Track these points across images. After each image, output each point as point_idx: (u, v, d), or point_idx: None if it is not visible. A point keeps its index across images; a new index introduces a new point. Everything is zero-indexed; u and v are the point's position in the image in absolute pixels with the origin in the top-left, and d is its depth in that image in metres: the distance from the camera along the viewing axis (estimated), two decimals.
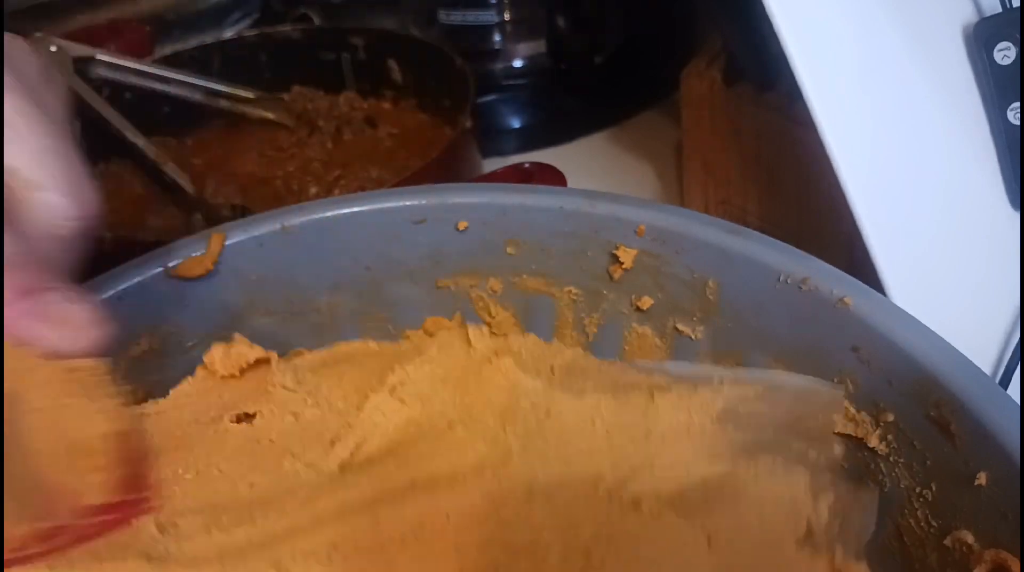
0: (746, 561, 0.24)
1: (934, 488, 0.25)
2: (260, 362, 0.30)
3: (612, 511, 0.24)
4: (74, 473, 0.22)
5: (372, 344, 0.32)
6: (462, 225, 0.33)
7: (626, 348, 0.34)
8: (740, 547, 0.24)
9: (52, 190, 0.22)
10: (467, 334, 0.30)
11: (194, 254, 0.32)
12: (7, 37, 0.23)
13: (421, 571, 0.23)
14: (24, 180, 0.22)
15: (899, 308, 0.27)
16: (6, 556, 0.21)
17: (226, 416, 0.28)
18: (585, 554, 0.23)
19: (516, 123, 0.67)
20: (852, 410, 0.27)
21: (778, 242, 0.30)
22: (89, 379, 0.22)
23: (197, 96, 0.58)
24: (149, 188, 0.54)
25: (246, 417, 0.29)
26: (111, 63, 0.55)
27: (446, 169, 0.47)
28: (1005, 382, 0.33)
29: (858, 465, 0.28)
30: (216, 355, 0.30)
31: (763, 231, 0.30)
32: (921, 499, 0.25)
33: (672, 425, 0.27)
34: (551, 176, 0.49)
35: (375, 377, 0.29)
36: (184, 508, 0.25)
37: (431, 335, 0.36)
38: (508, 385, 0.28)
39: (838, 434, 0.28)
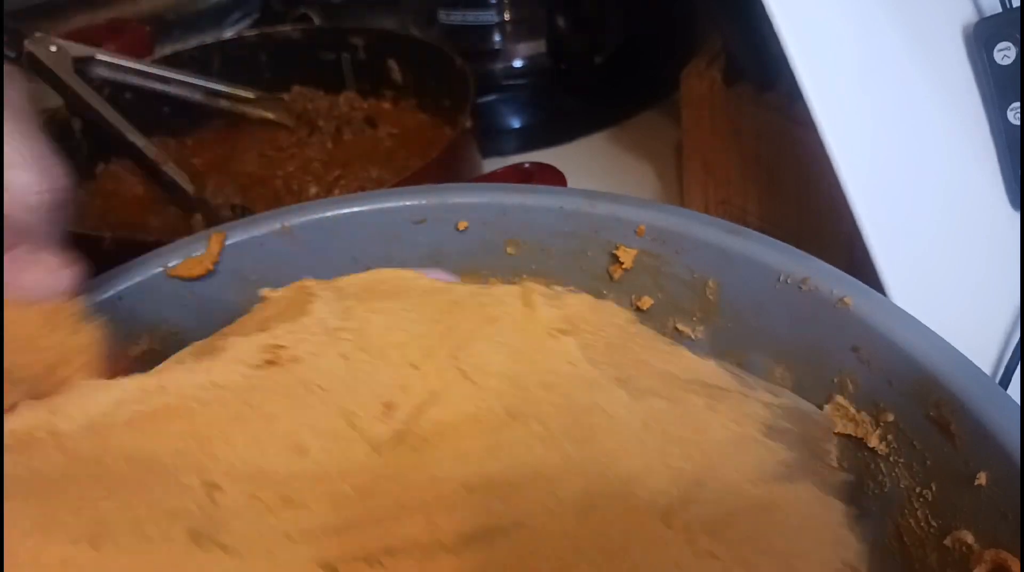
0: None
1: (934, 488, 0.25)
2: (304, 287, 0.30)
3: (664, 538, 0.24)
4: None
5: (423, 279, 0.30)
6: (462, 225, 0.33)
7: None
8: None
9: (19, 167, 0.24)
10: (526, 294, 0.29)
11: (194, 254, 0.32)
12: None
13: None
14: None
15: (899, 308, 0.27)
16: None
17: (267, 353, 0.27)
18: None
19: (516, 123, 0.67)
20: (852, 410, 0.27)
21: (778, 242, 0.30)
22: (67, 316, 0.26)
23: (197, 96, 0.58)
24: (149, 188, 0.54)
25: (287, 355, 0.27)
26: (111, 63, 0.55)
27: (446, 169, 0.48)
28: (1005, 382, 0.33)
29: (858, 465, 0.28)
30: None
31: (763, 231, 0.30)
32: (921, 499, 0.25)
33: (725, 438, 0.26)
34: (551, 176, 0.49)
35: (433, 330, 0.28)
36: (229, 466, 0.24)
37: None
38: (570, 374, 0.27)
39: (837, 434, 0.28)
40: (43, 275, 0.25)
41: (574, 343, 0.28)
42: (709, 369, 0.29)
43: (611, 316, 0.31)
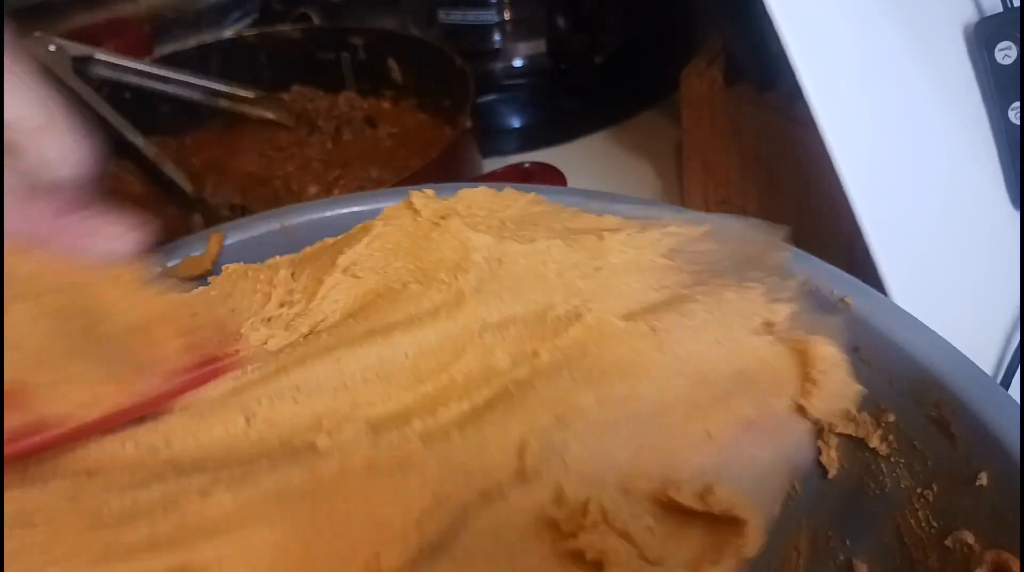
0: (698, 351, 0.24)
1: (935, 489, 0.25)
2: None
3: (559, 327, 0.25)
4: (153, 346, 0.24)
5: (329, 239, 0.32)
6: None
7: None
8: (690, 339, 0.24)
9: (59, 133, 0.24)
10: (411, 202, 0.30)
11: (193, 254, 0.32)
12: None
13: (384, 401, 0.24)
14: (31, 126, 0.23)
15: (899, 308, 0.27)
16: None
17: None
18: (535, 357, 0.24)
19: (516, 123, 0.67)
20: (853, 410, 0.27)
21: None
22: (139, 274, 0.25)
23: (196, 96, 0.58)
24: (148, 188, 0.54)
25: None
26: (110, 63, 0.55)
27: (446, 169, 0.47)
28: (1006, 382, 0.33)
29: (859, 465, 0.27)
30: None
31: None
32: (922, 500, 0.25)
33: (622, 262, 0.27)
34: (551, 176, 0.49)
35: (329, 264, 0.30)
36: None
37: None
38: (458, 243, 0.28)
39: (838, 434, 0.28)
40: (112, 238, 0.25)
41: (458, 222, 0.29)
42: (608, 220, 0.30)
43: (510, 198, 0.31)
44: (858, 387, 0.25)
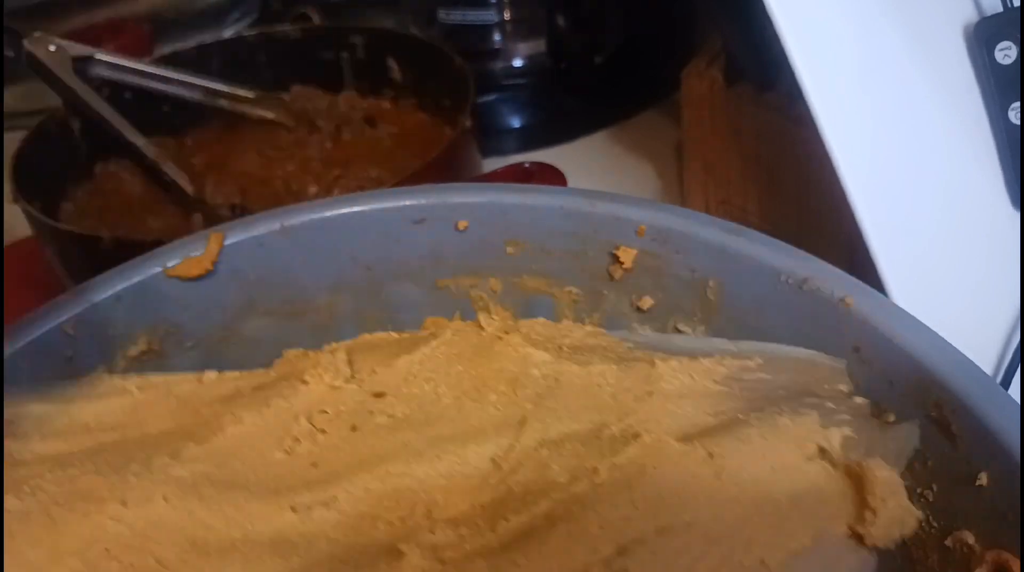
0: (753, 478, 0.24)
1: (935, 488, 0.25)
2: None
3: (616, 444, 0.26)
4: None
5: (394, 334, 0.33)
6: (462, 225, 0.33)
7: None
8: (747, 464, 0.25)
9: None
10: (479, 321, 0.32)
11: (193, 254, 0.32)
12: None
13: (445, 510, 0.25)
14: None
15: (900, 308, 0.27)
16: None
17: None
18: (591, 474, 0.24)
19: (516, 123, 0.67)
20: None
21: (778, 242, 0.30)
22: None
23: (196, 96, 0.58)
24: (148, 188, 0.54)
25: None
26: (110, 63, 0.55)
27: (446, 169, 0.47)
28: (1006, 382, 0.33)
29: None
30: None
31: (763, 231, 0.30)
32: (922, 500, 0.25)
33: (675, 386, 0.28)
34: (551, 176, 0.49)
35: (390, 358, 0.30)
36: None
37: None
38: (518, 357, 0.29)
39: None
40: None
41: (519, 338, 0.30)
42: (661, 354, 0.30)
43: (567, 329, 0.32)
44: (918, 513, 0.24)
